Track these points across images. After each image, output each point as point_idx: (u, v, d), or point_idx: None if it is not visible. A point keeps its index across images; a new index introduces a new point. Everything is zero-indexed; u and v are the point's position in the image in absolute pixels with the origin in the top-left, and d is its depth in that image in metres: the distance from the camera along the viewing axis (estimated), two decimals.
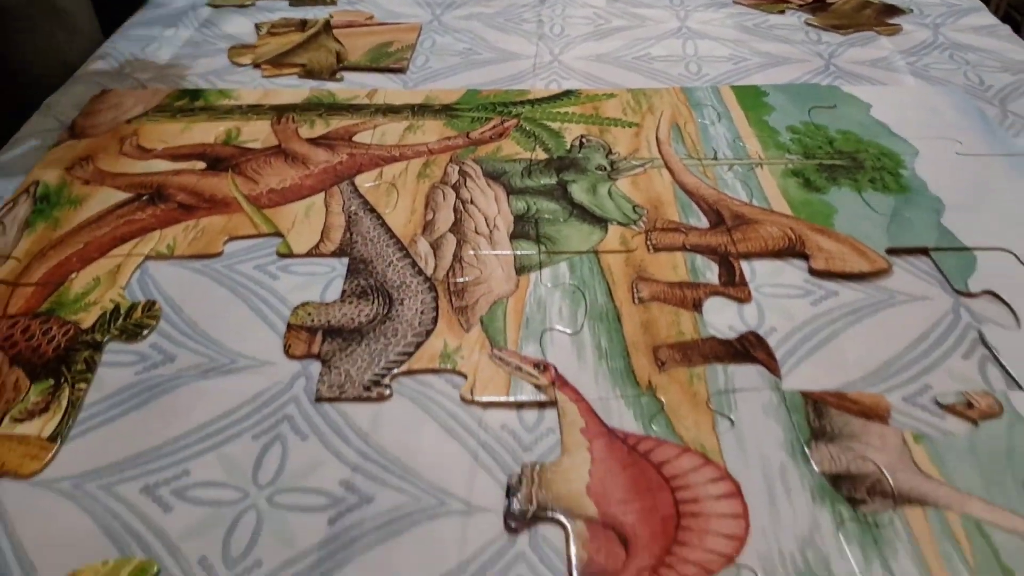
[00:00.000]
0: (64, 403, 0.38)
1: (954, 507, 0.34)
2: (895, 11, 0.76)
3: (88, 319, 0.43)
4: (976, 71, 0.66)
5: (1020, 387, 0.39)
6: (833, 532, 0.33)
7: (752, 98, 0.61)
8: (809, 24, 0.73)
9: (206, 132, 0.57)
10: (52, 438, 0.37)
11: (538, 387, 0.39)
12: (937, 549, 0.33)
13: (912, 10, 0.76)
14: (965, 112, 0.60)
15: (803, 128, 0.58)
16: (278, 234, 0.48)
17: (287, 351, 0.41)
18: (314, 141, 0.56)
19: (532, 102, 0.61)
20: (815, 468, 0.36)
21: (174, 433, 0.37)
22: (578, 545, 0.33)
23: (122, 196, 0.51)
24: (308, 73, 0.65)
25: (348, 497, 0.35)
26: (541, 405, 0.39)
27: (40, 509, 0.34)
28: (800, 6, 0.76)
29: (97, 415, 0.38)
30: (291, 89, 0.63)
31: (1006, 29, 0.73)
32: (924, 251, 0.47)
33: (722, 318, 0.43)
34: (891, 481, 0.35)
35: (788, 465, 0.36)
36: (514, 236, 0.48)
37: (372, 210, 0.50)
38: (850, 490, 0.35)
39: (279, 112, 0.60)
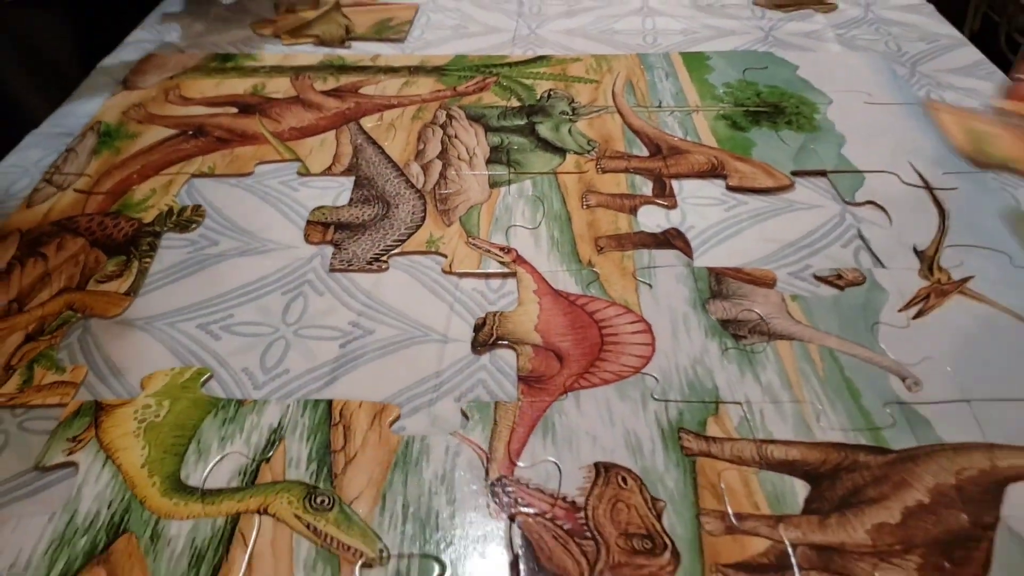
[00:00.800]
0: (134, 271, 0.49)
1: (815, 341, 0.45)
2: None
3: (148, 217, 0.54)
4: (896, 41, 0.77)
5: (883, 266, 0.50)
6: (719, 356, 0.44)
7: (696, 62, 0.72)
8: (756, 4, 0.84)
9: (236, 86, 0.69)
10: (127, 293, 0.48)
11: (502, 263, 0.50)
12: (797, 367, 0.44)
13: None
14: (878, 71, 0.71)
15: (736, 84, 0.69)
16: (298, 160, 0.59)
17: (306, 239, 0.52)
18: (326, 93, 0.68)
19: (510, 64, 0.72)
20: (711, 315, 0.47)
21: (220, 291, 0.48)
22: (524, 359, 0.44)
23: (169, 132, 0.63)
24: (321, 42, 0.76)
25: (354, 331, 0.46)
26: (504, 276, 0.50)
27: (123, 337, 0.45)
28: None
29: (160, 280, 0.49)
30: (307, 54, 0.74)
31: (929, 8, 0.84)
32: (823, 173, 0.58)
33: (652, 220, 0.54)
34: (768, 324, 0.46)
35: (690, 314, 0.47)
36: (489, 161, 0.59)
37: (374, 142, 0.61)
38: (735, 329, 0.46)
39: (297, 71, 0.71)
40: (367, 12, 0.82)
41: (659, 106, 0.66)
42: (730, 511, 0.37)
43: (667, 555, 0.35)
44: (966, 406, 0.42)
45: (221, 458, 0.39)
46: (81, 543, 0.36)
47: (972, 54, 0.74)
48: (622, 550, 0.35)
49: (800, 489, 0.38)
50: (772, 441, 0.40)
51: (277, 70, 0.71)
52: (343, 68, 0.71)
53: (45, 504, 0.38)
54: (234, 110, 0.65)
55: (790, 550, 0.36)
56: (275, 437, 0.40)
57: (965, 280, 0.49)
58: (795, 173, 0.58)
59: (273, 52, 0.75)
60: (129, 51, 0.76)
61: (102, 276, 0.49)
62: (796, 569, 0.35)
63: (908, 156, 0.59)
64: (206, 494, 0.38)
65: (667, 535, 0.36)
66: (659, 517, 0.37)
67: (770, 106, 0.66)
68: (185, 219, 0.53)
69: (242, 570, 0.35)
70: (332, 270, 0.50)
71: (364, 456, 0.39)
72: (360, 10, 0.82)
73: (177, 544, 0.36)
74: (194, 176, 0.58)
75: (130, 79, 0.70)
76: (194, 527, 0.37)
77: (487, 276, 0.49)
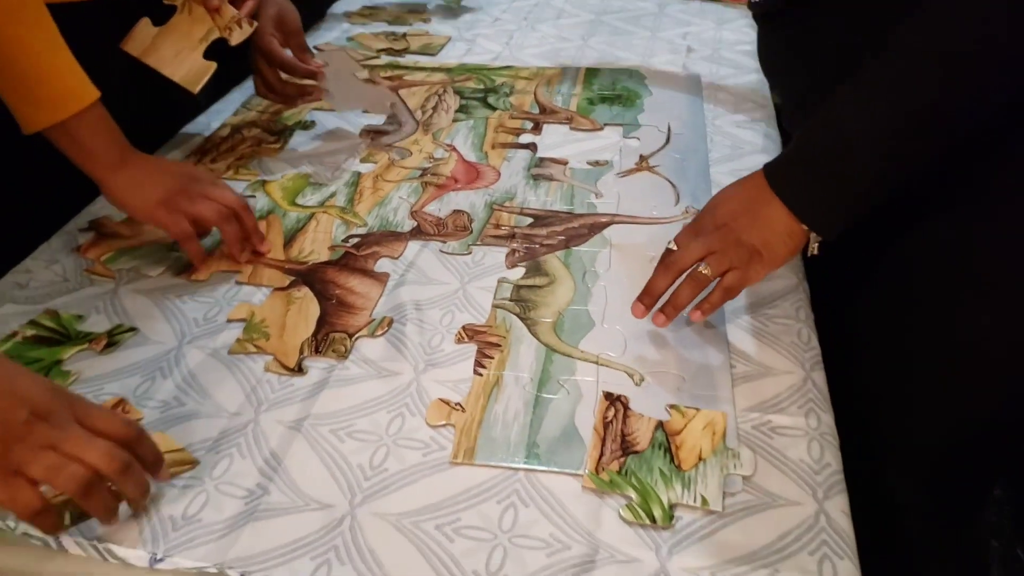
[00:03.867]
0: None
1: None
2: None
3: None
4: (723, 67, 1.32)
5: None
6: None
7: (592, 72, 1.30)
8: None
9: None
10: None
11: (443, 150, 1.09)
12: None
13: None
14: (689, 83, 1.27)
15: (609, 84, 1.26)
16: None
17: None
18: (387, 77, 1.29)
19: (488, 68, 1.32)
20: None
21: None
22: None
23: None
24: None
25: None
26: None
27: None
28: None
29: None
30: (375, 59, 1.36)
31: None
32: (620, 125, 1.15)
33: (524, 138, 1.12)
34: None
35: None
36: (456, 111, 1.19)
37: (403, 100, 1.22)
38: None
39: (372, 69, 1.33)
40: (417, 36, 1.43)
41: (557, 93, 1.24)
42: None
43: None
44: None
45: None
46: None
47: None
48: None
49: None
50: None
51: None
52: (399, 67, 1.33)
53: None
54: None
55: None
56: None
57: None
58: (605, 124, 1.15)
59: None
60: None
61: None
62: None
63: (668, 119, 1.16)
64: None
65: None
66: None
67: (616, 95, 1.23)
68: None
69: None
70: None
71: None
72: (413, 34, 1.44)
73: None
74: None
75: None
76: None
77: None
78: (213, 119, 1.15)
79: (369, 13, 1.51)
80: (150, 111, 1.06)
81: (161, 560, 0.57)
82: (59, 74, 0.79)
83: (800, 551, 0.58)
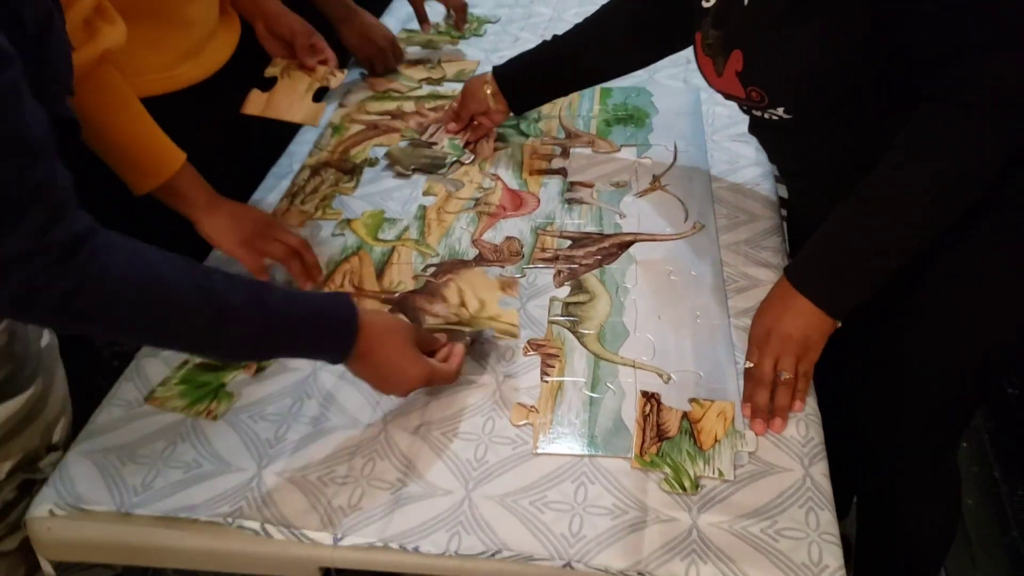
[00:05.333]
0: None
1: None
2: None
3: None
4: None
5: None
6: None
7: (606, 91, 1.51)
8: None
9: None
10: None
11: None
12: None
13: None
14: (690, 100, 1.48)
15: (621, 103, 1.47)
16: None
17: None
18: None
19: None
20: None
21: None
22: None
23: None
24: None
25: None
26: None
27: None
28: None
29: None
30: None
31: None
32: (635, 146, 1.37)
33: (556, 163, 1.34)
34: None
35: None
36: (496, 139, 1.40)
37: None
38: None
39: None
40: (451, 63, 1.64)
41: (579, 115, 1.45)
42: None
43: None
44: None
45: None
46: None
47: None
48: None
49: None
50: None
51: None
52: (439, 96, 1.53)
53: None
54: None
55: None
56: None
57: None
58: (622, 145, 1.37)
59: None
60: None
61: None
62: None
63: (674, 139, 1.37)
64: None
65: None
66: None
67: (628, 115, 1.44)
68: None
69: None
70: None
71: None
72: (448, 59, 1.64)
73: None
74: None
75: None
76: None
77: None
78: (294, 160, 1.36)
79: (406, 37, 1.71)
80: (241, 161, 1.29)
81: (341, 539, 0.81)
82: (156, 148, 1.02)
83: (792, 505, 0.82)
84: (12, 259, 0.61)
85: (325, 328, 0.82)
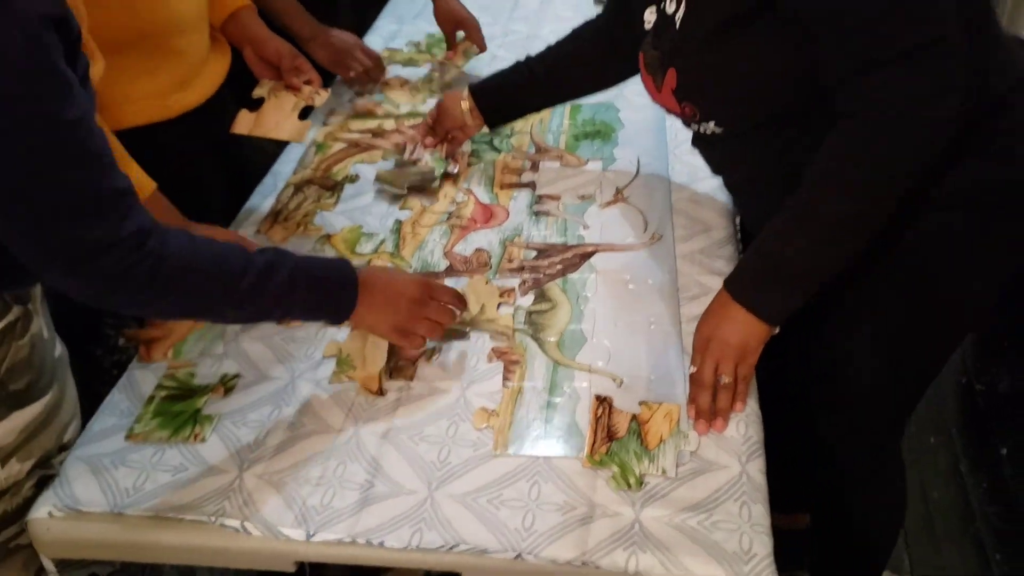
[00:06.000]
0: None
1: None
2: None
3: None
4: None
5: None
6: None
7: (575, 107, 1.58)
8: None
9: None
10: None
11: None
12: None
13: None
14: (654, 115, 1.55)
15: (589, 119, 1.55)
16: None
17: None
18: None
19: None
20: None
21: None
22: None
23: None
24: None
25: None
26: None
27: None
28: None
29: None
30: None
31: None
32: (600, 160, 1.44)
33: (526, 176, 1.42)
34: None
35: None
36: (470, 155, 1.48)
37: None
38: None
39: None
40: (431, 82, 1.71)
41: (549, 131, 1.53)
42: None
43: None
44: None
45: None
46: None
47: None
48: None
49: None
50: None
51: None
52: (419, 114, 1.61)
53: None
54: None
55: None
56: None
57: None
58: (588, 159, 1.44)
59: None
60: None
61: None
62: None
63: (638, 153, 1.45)
64: None
65: None
66: None
67: (596, 131, 1.51)
68: None
69: None
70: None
71: None
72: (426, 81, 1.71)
73: None
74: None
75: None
76: None
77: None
78: (279, 179, 1.44)
79: (388, 55, 1.78)
80: (230, 181, 1.37)
81: (313, 535, 0.89)
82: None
83: (728, 500, 0.89)
84: (100, 249, 0.76)
85: (331, 268, 0.96)
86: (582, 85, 1.36)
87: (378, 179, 1.39)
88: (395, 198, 1.37)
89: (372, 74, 1.64)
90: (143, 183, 1.09)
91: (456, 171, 1.40)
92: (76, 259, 0.76)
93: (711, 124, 1.02)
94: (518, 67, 1.34)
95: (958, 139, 0.87)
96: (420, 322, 1.00)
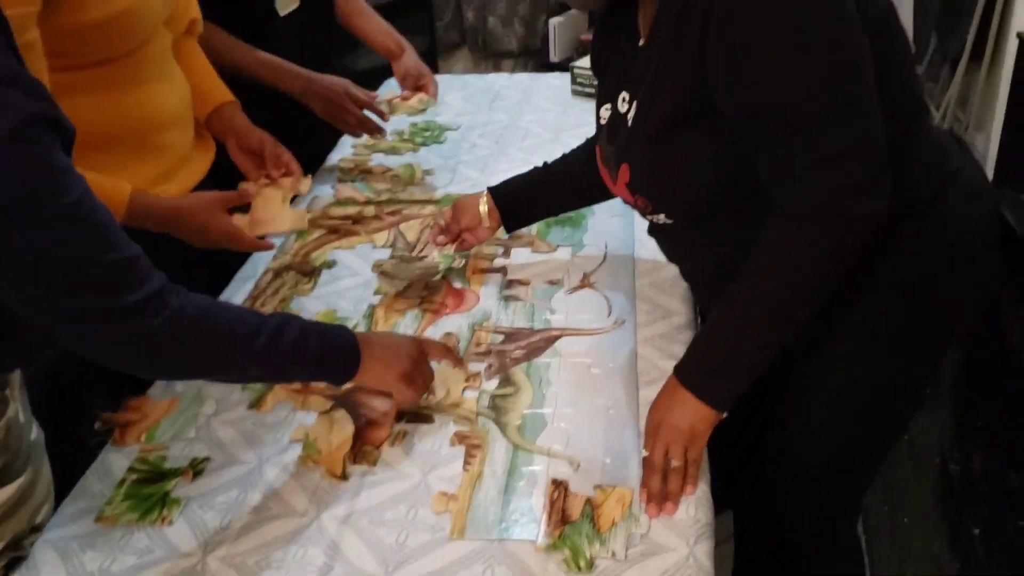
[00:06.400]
0: None
1: None
2: None
3: None
4: None
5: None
6: None
7: None
8: None
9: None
10: None
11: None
12: None
13: None
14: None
15: None
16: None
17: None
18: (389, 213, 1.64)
19: None
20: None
21: None
22: None
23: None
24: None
25: None
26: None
27: None
28: None
29: None
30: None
31: None
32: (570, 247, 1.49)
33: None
34: None
35: None
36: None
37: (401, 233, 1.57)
38: None
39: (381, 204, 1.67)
40: (410, 167, 1.78)
41: None
42: None
43: None
44: None
45: None
46: None
47: None
48: None
49: None
50: None
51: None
52: (398, 200, 1.67)
53: None
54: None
55: None
56: None
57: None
58: (559, 245, 1.49)
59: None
60: None
61: None
62: None
63: (606, 238, 1.50)
64: None
65: None
66: None
67: (568, 217, 1.57)
68: None
69: None
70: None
71: None
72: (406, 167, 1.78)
73: None
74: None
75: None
76: None
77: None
78: (258, 265, 1.49)
79: (372, 144, 1.85)
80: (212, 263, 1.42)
81: None
82: None
83: None
84: (113, 316, 0.81)
85: (332, 334, 1.03)
86: (599, 191, 1.29)
87: (379, 273, 1.43)
88: (367, 283, 1.41)
89: (367, 125, 1.67)
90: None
91: (464, 264, 1.43)
92: (90, 328, 0.82)
93: (662, 216, 1.07)
94: (536, 171, 1.38)
95: (885, 232, 0.92)
96: (421, 371, 1.09)
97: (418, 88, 1.77)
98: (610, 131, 1.12)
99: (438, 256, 1.41)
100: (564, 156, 1.38)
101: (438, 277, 1.39)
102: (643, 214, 1.12)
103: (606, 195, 1.27)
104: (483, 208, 1.37)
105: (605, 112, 1.14)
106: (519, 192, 1.38)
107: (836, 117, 0.88)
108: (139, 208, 1.17)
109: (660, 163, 1.03)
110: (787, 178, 0.92)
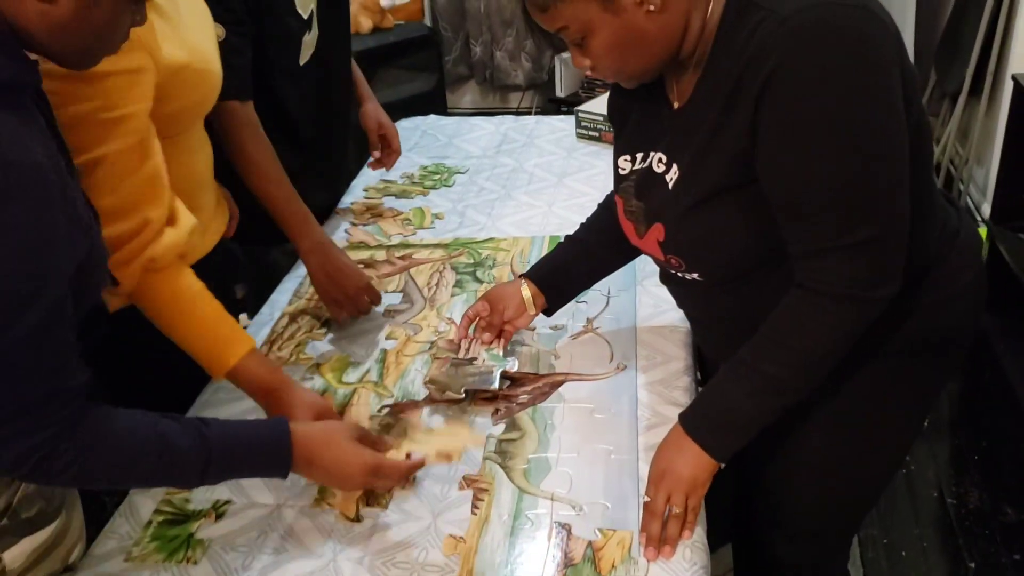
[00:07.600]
0: None
1: None
2: None
3: None
4: None
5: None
6: None
7: (554, 238, 1.71)
8: None
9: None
10: None
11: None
12: None
13: None
14: None
15: None
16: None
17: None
18: (399, 257, 1.70)
19: (475, 241, 1.73)
20: None
21: None
22: None
23: None
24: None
25: None
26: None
27: None
28: None
29: None
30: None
31: None
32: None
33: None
34: None
35: None
36: (454, 285, 1.60)
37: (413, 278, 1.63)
38: None
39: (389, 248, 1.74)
40: (421, 213, 1.84)
41: (528, 264, 1.64)
42: None
43: None
44: None
45: None
46: None
47: None
48: None
49: None
50: None
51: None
52: (409, 245, 1.74)
53: None
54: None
55: None
56: None
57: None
58: None
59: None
60: None
61: None
62: None
63: (608, 283, 1.56)
64: None
65: None
66: None
67: None
68: None
69: None
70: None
71: None
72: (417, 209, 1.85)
73: None
74: None
75: None
76: None
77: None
78: (275, 309, 1.56)
79: (383, 187, 1.92)
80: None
81: None
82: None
83: None
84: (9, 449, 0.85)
85: (262, 453, 1.02)
86: (631, 251, 1.29)
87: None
88: (379, 325, 1.47)
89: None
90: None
91: (515, 365, 1.35)
92: None
93: (695, 275, 1.12)
94: (566, 246, 1.36)
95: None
96: (372, 484, 1.11)
97: (382, 138, 1.81)
98: (639, 187, 1.14)
99: (487, 356, 1.35)
100: (587, 224, 1.36)
101: (494, 384, 1.30)
102: (670, 271, 1.17)
103: (636, 252, 1.26)
104: (526, 294, 1.33)
105: (625, 163, 1.17)
106: (557, 271, 1.35)
107: (870, 207, 0.93)
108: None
109: (701, 228, 1.07)
110: (812, 256, 0.98)
